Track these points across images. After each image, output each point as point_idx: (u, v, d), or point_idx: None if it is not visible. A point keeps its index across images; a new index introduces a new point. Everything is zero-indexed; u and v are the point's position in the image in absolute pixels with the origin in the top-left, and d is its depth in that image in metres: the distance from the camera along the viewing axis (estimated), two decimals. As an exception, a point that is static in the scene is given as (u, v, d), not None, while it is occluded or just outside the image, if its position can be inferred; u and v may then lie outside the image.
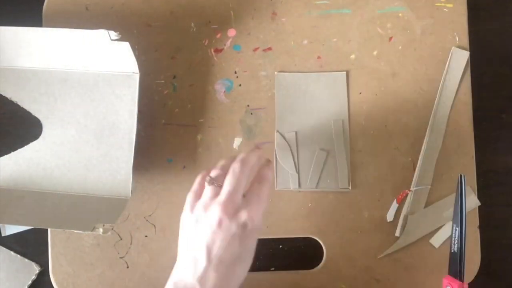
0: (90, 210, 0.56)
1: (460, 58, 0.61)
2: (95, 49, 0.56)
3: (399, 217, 0.60)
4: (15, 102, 0.59)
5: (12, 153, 0.59)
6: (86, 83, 0.59)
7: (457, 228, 0.52)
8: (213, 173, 0.51)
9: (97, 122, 0.59)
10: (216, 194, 0.50)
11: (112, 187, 0.58)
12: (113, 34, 0.53)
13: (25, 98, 0.59)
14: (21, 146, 0.59)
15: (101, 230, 0.51)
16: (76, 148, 0.59)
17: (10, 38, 0.56)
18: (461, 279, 0.52)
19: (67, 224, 0.53)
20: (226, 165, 0.52)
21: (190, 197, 0.51)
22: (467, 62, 0.61)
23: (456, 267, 0.52)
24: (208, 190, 0.50)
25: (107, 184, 0.58)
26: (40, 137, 0.59)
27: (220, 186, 0.50)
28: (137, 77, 0.57)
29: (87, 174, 0.59)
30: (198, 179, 0.53)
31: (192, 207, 0.50)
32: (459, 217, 0.52)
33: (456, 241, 0.52)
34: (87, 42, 0.55)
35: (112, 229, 0.59)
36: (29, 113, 0.60)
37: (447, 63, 0.61)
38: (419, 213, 0.59)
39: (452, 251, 0.53)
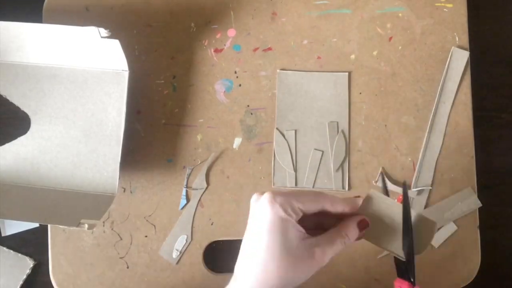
0: (76, 205, 0.56)
1: (460, 58, 0.61)
2: (85, 45, 0.56)
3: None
4: (4, 96, 0.59)
5: (0, 148, 0.59)
6: (75, 79, 0.59)
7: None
8: None
9: (85, 118, 0.59)
10: None
11: (99, 183, 0.58)
12: (103, 31, 0.53)
13: (14, 93, 0.60)
14: (9, 140, 0.59)
15: (86, 226, 0.51)
16: (64, 144, 0.59)
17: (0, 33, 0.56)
18: (414, 283, 0.46)
19: (52, 219, 0.53)
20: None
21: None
22: (467, 62, 0.61)
23: (408, 273, 0.47)
24: None
25: (94, 180, 0.58)
26: (28, 132, 0.59)
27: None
28: (126, 74, 0.57)
29: (74, 170, 0.59)
30: None
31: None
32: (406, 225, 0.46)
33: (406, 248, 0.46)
34: (77, 39, 0.55)
35: (110, 227, 0.59)
36: (17, 108, 0.60)
37: (447, 63, 0.61)
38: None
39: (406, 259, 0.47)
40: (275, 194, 0.44)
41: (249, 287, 0.43)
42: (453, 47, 0.61)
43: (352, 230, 0.46)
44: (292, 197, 0.45)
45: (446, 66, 0.61)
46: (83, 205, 0.56)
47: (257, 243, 0.43)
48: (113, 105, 0.59)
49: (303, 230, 0.44)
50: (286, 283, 0.44)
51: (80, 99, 0.59)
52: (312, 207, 0.45)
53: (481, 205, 0.59)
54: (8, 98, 0.60)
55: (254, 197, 0.46)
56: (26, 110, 0.60)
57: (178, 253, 0.59)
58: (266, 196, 0.44)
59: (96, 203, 0.56)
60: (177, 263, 0.59)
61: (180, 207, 0.60)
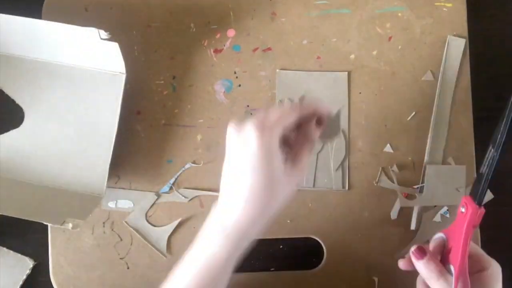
0: (62, 204, 0.56)
1: (457, 46, 0.61)
2: (84, 46, 0.56)
3: (402, 215, 0.60)
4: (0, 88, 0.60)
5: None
6: (72, 78, 0.59)
7: (492, 149, 0.47)
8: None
9: (79, 118, 0.59)
10: None
11: (87, 183, 0.58)
12: (103, 33, 0.53)
13: (10, 85, 0.60)
14: (1, 133, 0.59)
15: (70, 225, 0.51)
16: (56, 141, 0.59)
17: (1, 25, 0.56)
18: (479, 202, 0.48)
19: (38, 215, 0.53)
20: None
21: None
22: (465, 49, 0.61)
23: (477, 189, 0.48)
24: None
25: (82, 180, 0.58)
26: (21, 126, 0.60)
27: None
28: (123, 77, 0.57)
29: (63, 168, 0.59)
30: None
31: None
32: (497, 137, 0.47)
33: (487, 162, 0.48)
34: (77, 38, 0.55)
35: (111, 227, 0.59)
36: (12, 101, 0.60)
37: (445, 52, 0.61)
38: (433, 210, 0.60)
39: (480, 171, 0.48)
40: (262, 125, 0.45)
41: (234, 220, 0.46)
42: (448, 35, 0.61)
43: (313, 131, 0.50)
44: (278, 124, 0.46)
45: (444, 54, 0.61)
46: (69, 204, 0.56)
47: (242, 180, 0.45)
48: (108, 106, 0.59)
49: (283, 154, 0.46)
50: (270, 210, 0.47)
51: (75, 97, 0.59)
52: (291, 126, 0.48)
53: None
54: (4, 90, 0.60)
55: (234, 127, 0.46)
56: (21, 104, 0.60)
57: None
58: (253, 129, 0.45)
59: (83, 203, 0.56)
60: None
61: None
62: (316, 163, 0.60)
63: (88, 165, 0.59)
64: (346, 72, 0.61)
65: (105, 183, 0.57)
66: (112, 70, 0.58)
